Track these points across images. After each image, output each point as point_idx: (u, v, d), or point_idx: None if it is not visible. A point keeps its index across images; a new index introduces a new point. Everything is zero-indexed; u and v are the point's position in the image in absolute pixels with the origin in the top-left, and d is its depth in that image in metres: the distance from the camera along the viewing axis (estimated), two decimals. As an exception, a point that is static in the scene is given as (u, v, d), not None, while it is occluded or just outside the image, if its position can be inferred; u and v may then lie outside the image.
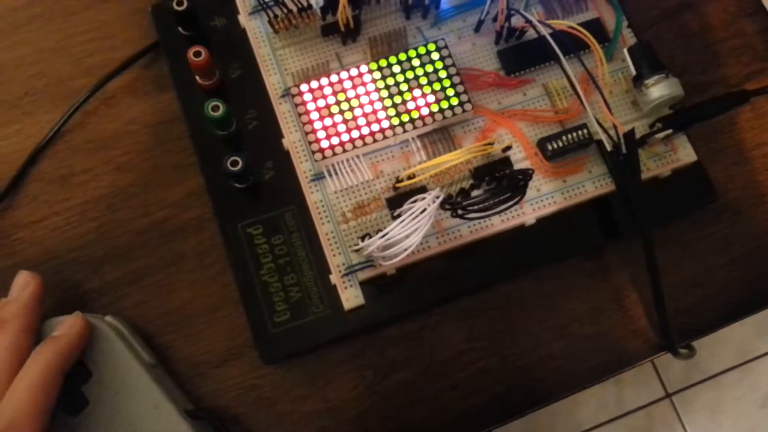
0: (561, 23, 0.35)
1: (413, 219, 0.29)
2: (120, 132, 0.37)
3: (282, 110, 0.35)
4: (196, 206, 0.36)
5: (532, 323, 0.35)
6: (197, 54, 0.33)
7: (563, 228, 0.35)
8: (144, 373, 0.30)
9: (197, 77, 0.35)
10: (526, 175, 0.31)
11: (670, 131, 0.34)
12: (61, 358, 0.28)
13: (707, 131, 0.38)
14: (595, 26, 0.37)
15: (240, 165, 0.32)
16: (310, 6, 0.35)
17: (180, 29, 0.36)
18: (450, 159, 0.32)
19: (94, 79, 0.37)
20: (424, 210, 0.29)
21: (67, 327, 0.30)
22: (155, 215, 0.35)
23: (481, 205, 0.30)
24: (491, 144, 0.34)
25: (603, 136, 0.34)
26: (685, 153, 0.35)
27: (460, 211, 0.30)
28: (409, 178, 0.33)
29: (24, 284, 0.30)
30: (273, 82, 0.35)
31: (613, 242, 0.36)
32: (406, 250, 0.29)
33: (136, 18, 0.39)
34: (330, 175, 0.33)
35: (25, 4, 0.39)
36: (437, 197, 0.30)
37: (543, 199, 0.34)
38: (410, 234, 0.29)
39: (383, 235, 0.29)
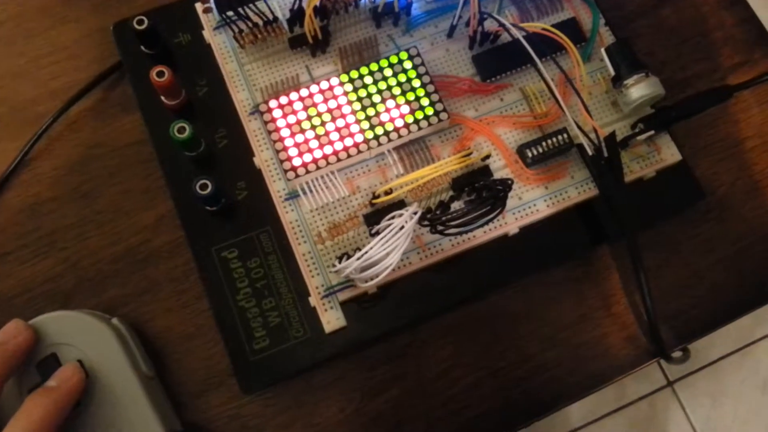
0: (535, 25, 0.34)
1: (391, 237, 0.28)
2: (86, 157, 0.35)
3: (252, 128, 0.34)
4: (168, 231, 0.34)
5: (520, 334, 0.34)
6: (160, 74, 0.32)
7: (548, 235, 0.34)
8: (138, 384, 0.29)
9: (162, 97, 0.34)
10: (506, 185, 0.30)
11: (652, 132, 0.33)
12: (58, 412, 0.27)
13: (690, 127, 0.37)
14: (571, 26, 0.36)
15: (210, 188, 0.31)
16: (276, 19, 0.34)
17: (143, 48, 0.35)
18: (428, 173, 0.31)
19: (59, 102, 0.36)
20: (402, 227, 0.28)
21: (64, 378, 0.28)
22: (126, 242, 0.34)
23: (460, 220, 0.29)
24: (469, 154, 0.33)
25: (583, 140, 0.33)
26: (668, 153, 0.34)
27: (439, 227, 0.29)
28: (387, 193, 0.32)
29: (15, 333, 0.28)
30: (241, 98, 0.34)
31: (599, 247, 0.35)
32: (385, 270, 0.28)
33: (99, 37, 0.38)
34: (304, 193, 0.32)
35: (-17, 29, 0.38)
36: (415, 213, 0.29)
37: (525, 207, 0.33)
38: (389, 253, 0.28)
39: (360, 256, 0.28)
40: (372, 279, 0.28)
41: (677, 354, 0.35)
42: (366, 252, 0.28)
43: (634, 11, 0.39)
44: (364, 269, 0.28)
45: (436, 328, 0.34)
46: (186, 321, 0.33)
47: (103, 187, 0.35)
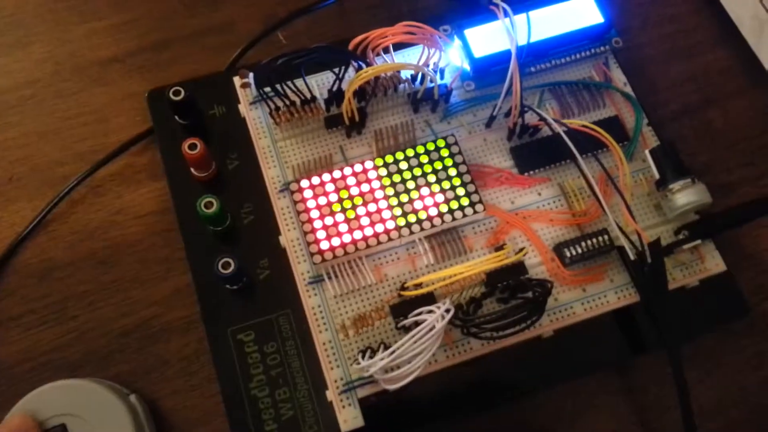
0: (576, 122, 0.33)
1: (420, 338, 0.26)
2: (106, 223, 0.34)
3: (280, 206, 0.32)
4: (183, 305, 0.33)
5: (548, 447, 0.32)
6: (192, 146, 0.31)
7: (584, 340, 0.32)
8: None
9: (192, 169, 0.33)
10: (545, 290, 0.28)
11: (698, 242, 0.31)
12: None
13: (734, 234, 0.36)
14: (613, 124, 0.35)
15: (232, 267, 0.29)
16: (313, 98, 0.33)
17: (176, 118, 0.35)
18: (461, 271, 0.29)
19: (84, 165, 0.35)
20: (433, 328, 0.27)
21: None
22: (139, 314, 0.33)
23: (494, 324, 0.27)
24: (502, 249, 0.31)
25: (625, 243, 0.31)
26: (713, 262, 0.33)
27: (472, 329, 0.27)
28: (416, 286, 0.30)
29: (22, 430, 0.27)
30: (272, 175, 0.33)
31: (638, 357, 0.33)
32: (411, 373, 0.26)
33: (131, 102, 0.37)
34: (330, 278, 0.31)
35: (16, 86, 0.37)
36: (447, 311, 0.27)
37: (561, 309, 0.31)
38: (417, 355, 0.26)
39: (386, 357, 0.26)
40: (398, 382, 0.26)
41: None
42: (393, 352, 0.26)
43: (677, 111, 0.38)
44: (389, 370, 0.26)
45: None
46: (194, 405, 0.31)
47: (121, 255, 0.34)
